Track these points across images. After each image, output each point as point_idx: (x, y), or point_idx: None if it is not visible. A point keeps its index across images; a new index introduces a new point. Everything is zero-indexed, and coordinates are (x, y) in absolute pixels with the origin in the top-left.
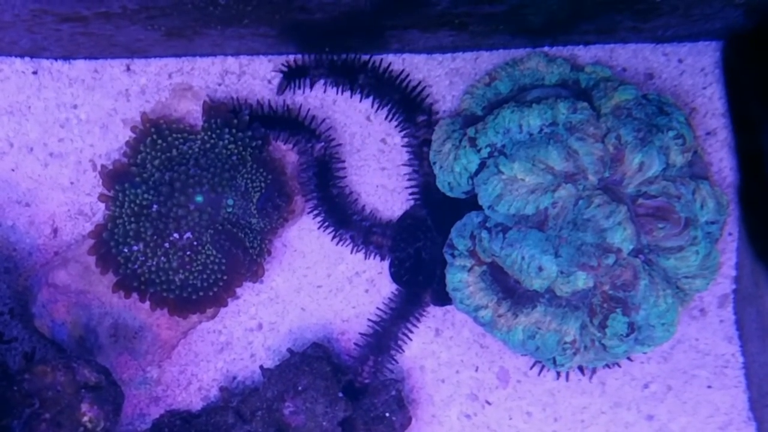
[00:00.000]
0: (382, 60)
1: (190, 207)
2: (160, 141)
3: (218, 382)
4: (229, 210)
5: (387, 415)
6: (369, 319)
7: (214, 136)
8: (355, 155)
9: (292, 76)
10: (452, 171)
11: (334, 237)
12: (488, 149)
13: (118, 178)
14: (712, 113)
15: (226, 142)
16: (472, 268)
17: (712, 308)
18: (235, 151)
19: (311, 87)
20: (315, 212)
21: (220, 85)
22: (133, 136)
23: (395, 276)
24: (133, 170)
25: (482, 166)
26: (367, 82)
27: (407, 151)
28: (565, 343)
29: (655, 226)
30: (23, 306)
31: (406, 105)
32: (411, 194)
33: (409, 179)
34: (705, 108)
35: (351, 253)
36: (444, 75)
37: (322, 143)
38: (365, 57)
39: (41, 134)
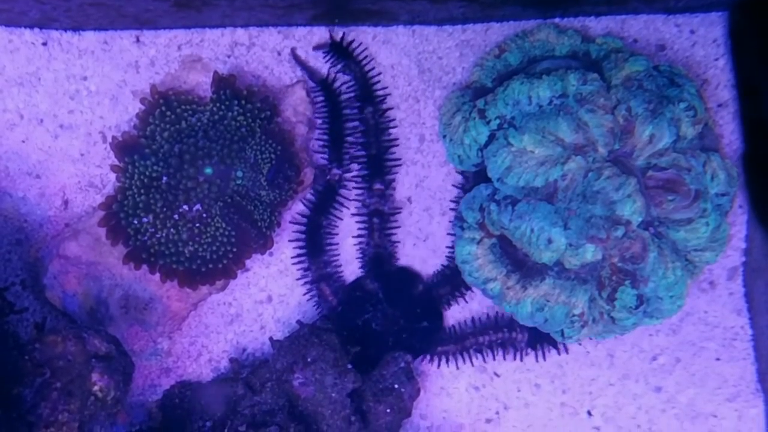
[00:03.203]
0: (395, 118)
1: (200, 179)
2: (169, 113)
3: (228, 354)
4: (239, 182)
5: (396, 386)
6: None
7: (223, 107)
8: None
9: (334, 50)
10: (462, 143)
11: (294, 256)
12: (498, 121)
13: (127, 150)
14: (724, 85)
15: (235, 113)
16: (481, 240)
17: (722, 281)
18: (244, 122)
19: (337, 72)
20: (296, 225)
21: (229, 56)
22: (143, 108)
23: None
24: (143, 142)
25: (492, 138)
26: (367, 117)
27: (357, 221)
28: (574, 315)
29: (664, 199)
30: (34, 277)
31: (375, 163)
32: (361, 266)
33: (359, 250)
34: (717, 79)
35: (297, 279)
36: (454, 46)
37: (340, 171)
38: (387, 92)
39: (51, 106)
